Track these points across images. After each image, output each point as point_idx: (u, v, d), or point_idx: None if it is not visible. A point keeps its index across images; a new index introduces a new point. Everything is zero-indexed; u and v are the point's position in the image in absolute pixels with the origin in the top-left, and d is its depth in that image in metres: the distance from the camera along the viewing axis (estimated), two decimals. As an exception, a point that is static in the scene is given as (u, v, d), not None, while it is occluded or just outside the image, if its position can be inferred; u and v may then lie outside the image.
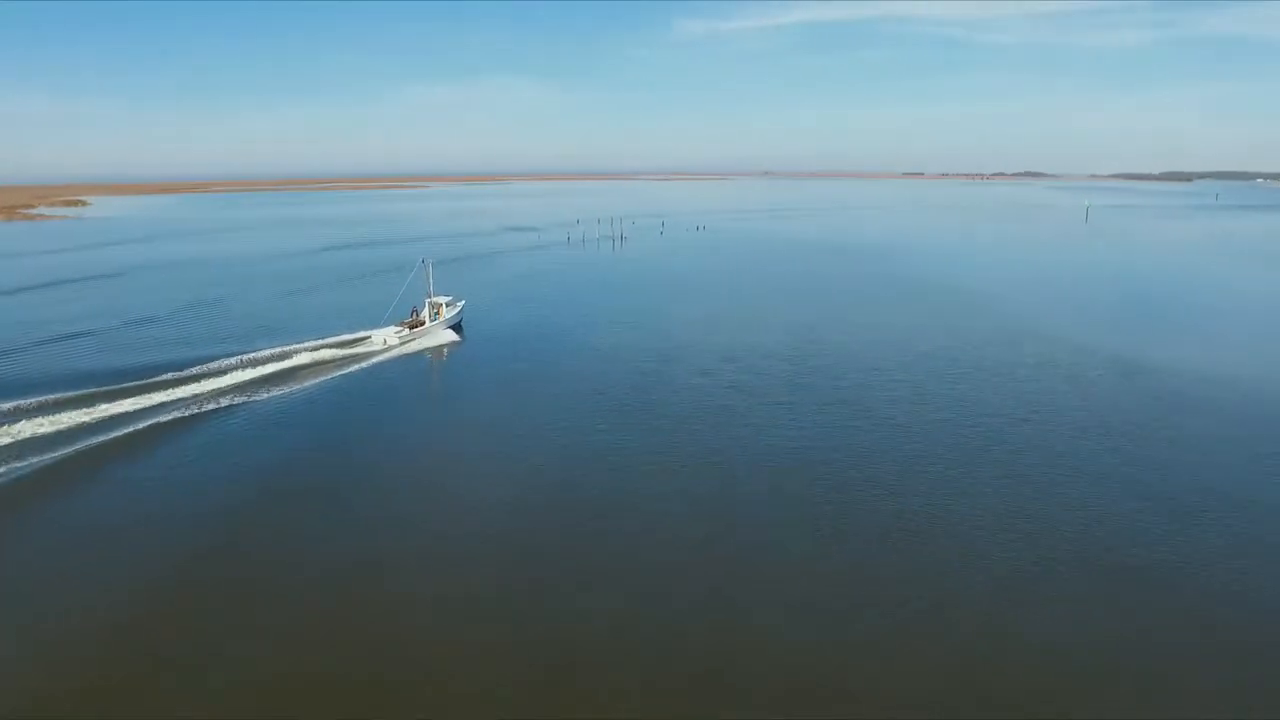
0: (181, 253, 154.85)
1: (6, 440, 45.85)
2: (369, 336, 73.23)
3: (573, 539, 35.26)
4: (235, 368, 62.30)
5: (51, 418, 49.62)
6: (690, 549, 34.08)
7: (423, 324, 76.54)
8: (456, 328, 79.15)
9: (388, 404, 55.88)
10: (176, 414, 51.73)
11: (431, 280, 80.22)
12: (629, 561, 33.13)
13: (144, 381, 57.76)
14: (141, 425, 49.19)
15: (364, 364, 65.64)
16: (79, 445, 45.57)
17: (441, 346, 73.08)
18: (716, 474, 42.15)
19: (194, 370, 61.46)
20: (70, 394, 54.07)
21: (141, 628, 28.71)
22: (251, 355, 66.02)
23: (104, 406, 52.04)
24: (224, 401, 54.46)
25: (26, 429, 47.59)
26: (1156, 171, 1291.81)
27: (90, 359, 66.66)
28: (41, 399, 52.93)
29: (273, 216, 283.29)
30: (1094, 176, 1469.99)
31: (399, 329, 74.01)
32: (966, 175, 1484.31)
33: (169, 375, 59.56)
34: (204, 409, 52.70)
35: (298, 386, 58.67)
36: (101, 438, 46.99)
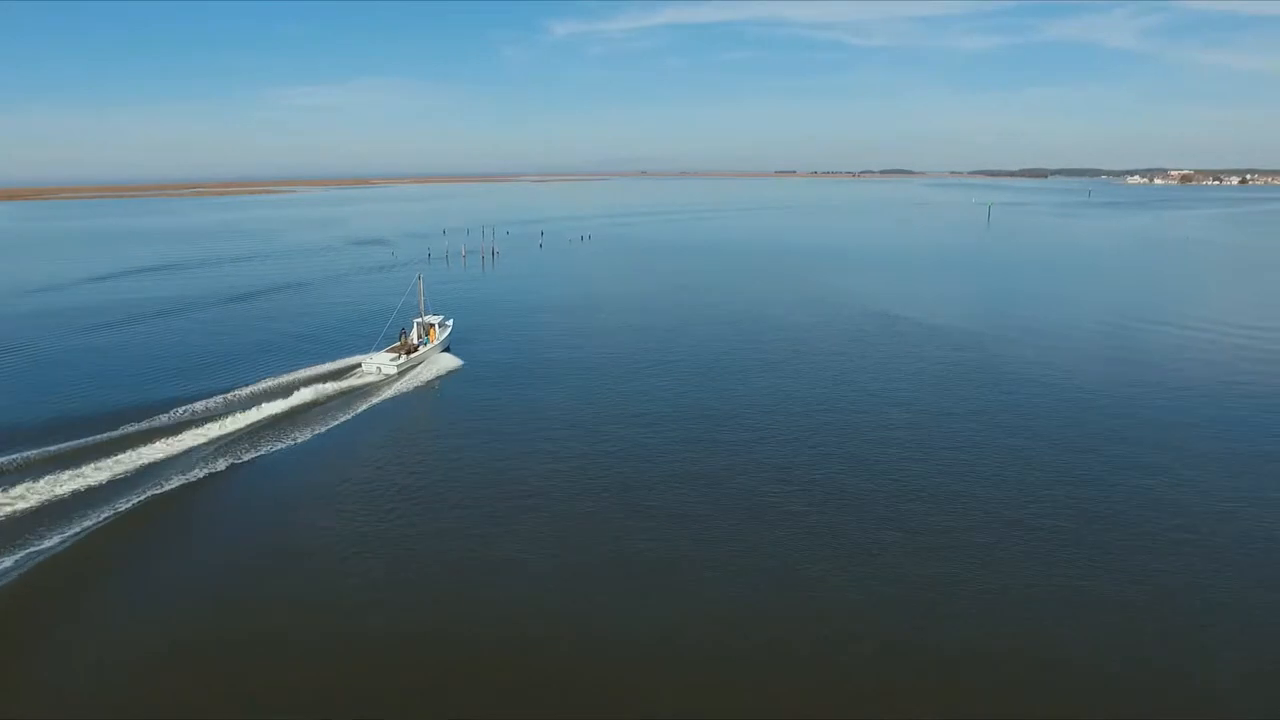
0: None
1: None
2: (358, 365, 64.03)
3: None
4: (186, 422, 51.69)
5: None
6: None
7: (415, 348, 67.55)
8: (447, 350, 70.54)
9: (430, 467, 46.48)
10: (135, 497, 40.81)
11: (424, 298, 70.99)
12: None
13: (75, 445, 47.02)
14: (94, 520, 38.24)
15: (368, 401, 56.63)
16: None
17: (442, 375, 64.32)
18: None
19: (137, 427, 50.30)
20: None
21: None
22: (201, 404, 55.22)
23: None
24: (203, 470, 43.90)
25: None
26: (1014, 168, 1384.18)
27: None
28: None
29: (82, 230, 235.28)
30: (954, 173, 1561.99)
31: (393, 355, 64.95)
32: (837, 173, 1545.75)
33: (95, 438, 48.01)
34: (171, 484, 42.01)
35: (290, 440, 48.97)
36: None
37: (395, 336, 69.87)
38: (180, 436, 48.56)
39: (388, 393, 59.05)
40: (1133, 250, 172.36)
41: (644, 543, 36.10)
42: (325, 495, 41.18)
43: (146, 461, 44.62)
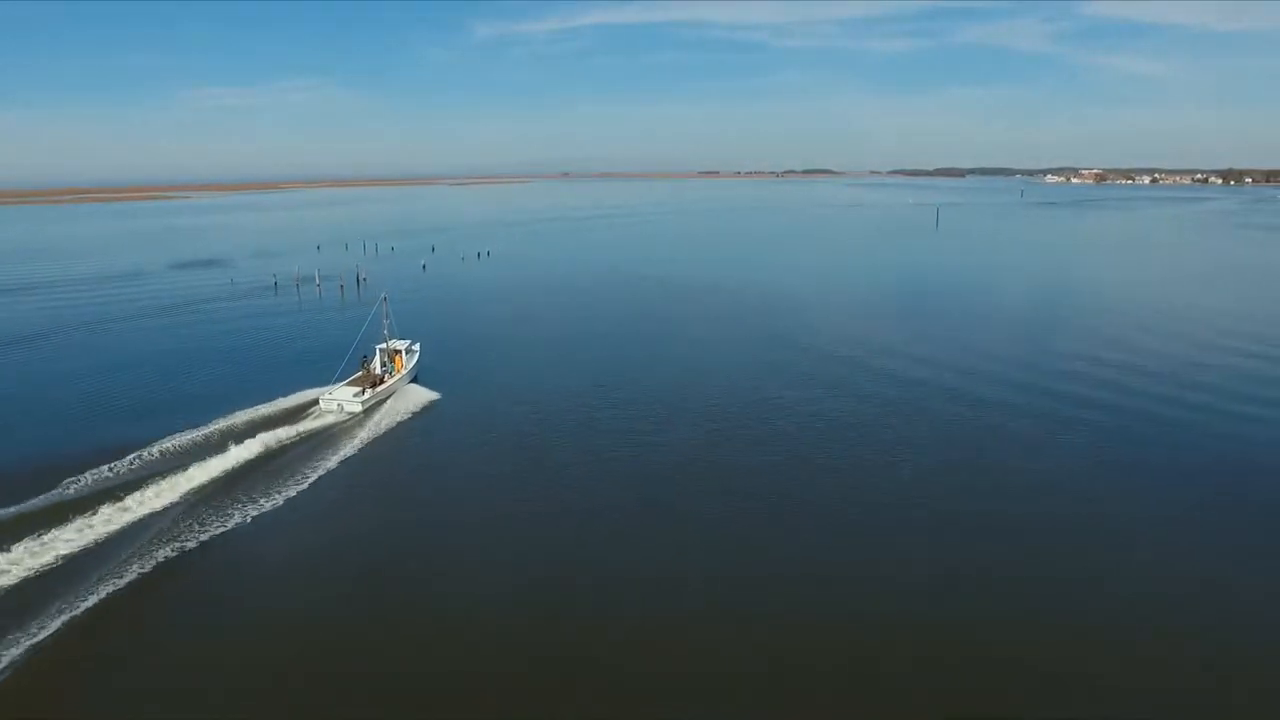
0: None
1: None
2: (315, 402, 54.17)
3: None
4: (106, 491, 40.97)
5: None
6: None
7: (380, 379, 57.99)
8: (416, 380, 61.13)
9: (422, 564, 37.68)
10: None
11: (388, 320, 61.21)
12: None
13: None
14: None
15: (332, 453, 46.69)
16: None
17: (417, 413, 54.93)
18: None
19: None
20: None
21: None
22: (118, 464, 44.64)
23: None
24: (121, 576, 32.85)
25: None
26: (931, 168, 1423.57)
27: None
28: None
29: None
30: (874, 173, 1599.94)
31: (356, 389, 55.31)
32: (761, 173, 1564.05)
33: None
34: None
35: (235, 518, 38.39)
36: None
37: (357, 365, 60.15)
38: (89, 520, 37.43)
39: (354, 439, 49.14)
40: (1173, 260, 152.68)
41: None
42: (299, 615, 31.94)
43: (37, 565, 33.69)
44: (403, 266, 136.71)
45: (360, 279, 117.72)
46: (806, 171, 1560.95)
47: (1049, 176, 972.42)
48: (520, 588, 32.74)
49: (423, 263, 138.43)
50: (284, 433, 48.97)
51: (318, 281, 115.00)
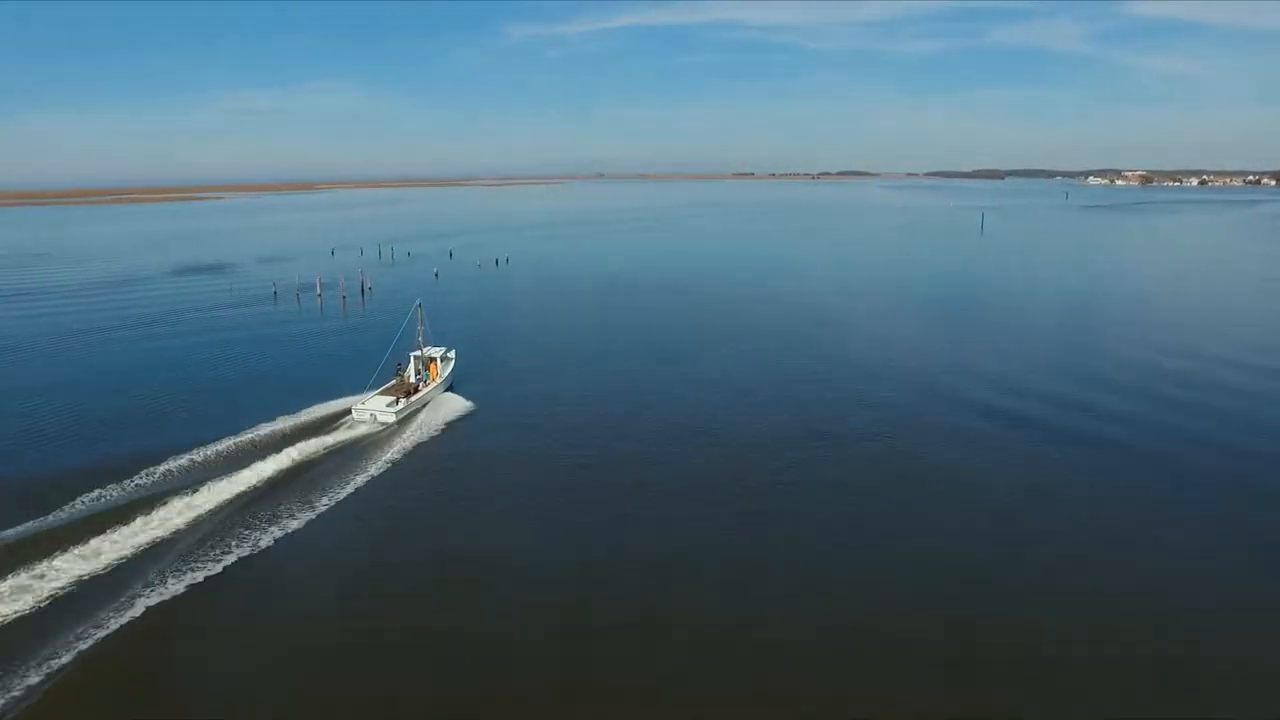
0: None
1: None
2: (347, 413, 52.67)
3: None
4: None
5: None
6: None
7: (414, 388, 56.50)
8: (450, 388, 59.61)
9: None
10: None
11: (423, 327, 59.73)
12: None
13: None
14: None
15: (366, 465, 45.21)
16: None
17: (452, 421, 53.29)
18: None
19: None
20: None
21: None
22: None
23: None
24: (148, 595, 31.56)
25: None
26: (969, 169, 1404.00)
27: None
28: None
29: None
30: (910, 175, 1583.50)
31: (389, 399, 53.81)
32: (795, 175, 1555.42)
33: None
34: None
35: (272, 533, 37.03)
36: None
37: (391, 373, 58.70)
38: (131, 529, 36.65)
39: (389, 451, 47.52)
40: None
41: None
42: (334, 647, 30.20)
43: (64, 582, 32.42)
44: (414, 275, 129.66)
45: (365, 287, 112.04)
46: (841, 174, 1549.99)
47: (1090, 178, 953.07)
48: (573, 628, 30.69)
49: (435, 270, 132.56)
50: (313, 445, 47.39)
51: (318, 291, 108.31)
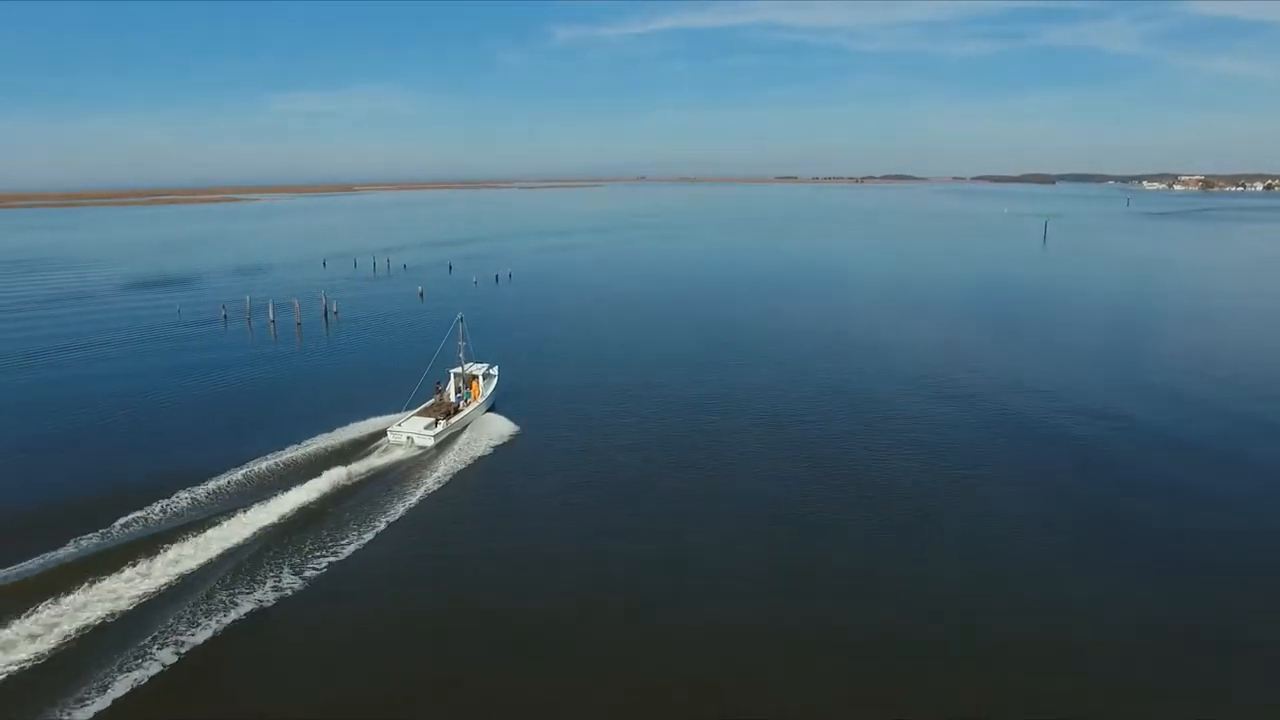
0: None
1: None
2: (383, 434, 49.05)
3: None
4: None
5: None
6: None
7: (454, 409, 52.78)
8: (492, 409, 55.83)
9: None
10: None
11: (464, 342, 55.95)
12: None
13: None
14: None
15: (403, 495, 41.52)
16: None
17: (496, 446, 49.41)
18: None
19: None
20: None
21: None
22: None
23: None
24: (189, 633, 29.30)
25: None
26: (1017, 174, 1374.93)
27: None
28: None
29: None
30: (958, 179, 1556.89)
31: (427, 421, 50.13)
32: (839, 179, 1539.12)
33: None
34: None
35: (302, 576, 33.85)
36: None
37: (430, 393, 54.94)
38: (169, 555, 34.23)
39: (426, 480, 43.77)
40: None
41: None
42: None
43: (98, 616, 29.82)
44: (398, 294, 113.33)
45: (331, 311, 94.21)
46: (886, 177, 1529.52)
47: (1145, 183, 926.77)
48: (629, 684, 26.47)
49: (419, 289, 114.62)
50: (344, 472, 43.48)
51: (271, 316, 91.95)
